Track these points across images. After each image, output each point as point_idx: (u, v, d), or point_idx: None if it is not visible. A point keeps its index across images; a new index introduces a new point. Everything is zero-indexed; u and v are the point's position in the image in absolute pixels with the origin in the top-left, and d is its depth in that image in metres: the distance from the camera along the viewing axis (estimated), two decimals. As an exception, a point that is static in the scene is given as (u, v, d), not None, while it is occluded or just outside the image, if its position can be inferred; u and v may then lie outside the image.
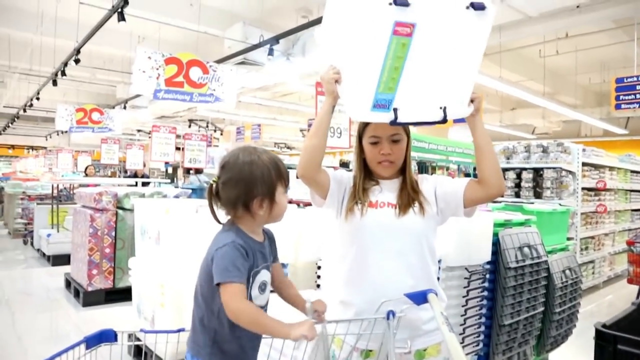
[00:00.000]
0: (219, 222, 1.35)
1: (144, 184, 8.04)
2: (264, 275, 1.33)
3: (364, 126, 1.60)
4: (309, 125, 10.03)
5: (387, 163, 1.55)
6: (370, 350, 1.50)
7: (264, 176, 1.27)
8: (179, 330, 1.37)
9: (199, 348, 1.30)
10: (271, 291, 1.40)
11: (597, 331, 1.35)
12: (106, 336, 1.29)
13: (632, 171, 7.73)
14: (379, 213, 1.54)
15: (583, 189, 5.81)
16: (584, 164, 5.84)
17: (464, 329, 2.38)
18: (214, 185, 1.32)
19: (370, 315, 1.37)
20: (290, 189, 1.39)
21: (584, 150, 5.78)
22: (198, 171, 10.01)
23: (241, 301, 1.20)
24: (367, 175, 1.63)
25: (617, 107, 5.42)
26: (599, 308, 5.09)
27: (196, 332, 1.32)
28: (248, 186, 1.26)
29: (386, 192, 1.58)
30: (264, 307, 1.34)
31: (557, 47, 9.07)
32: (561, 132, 16.14)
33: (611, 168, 6.82)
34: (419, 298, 1.25)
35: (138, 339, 2.97)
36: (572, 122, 14.76)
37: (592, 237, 6.32)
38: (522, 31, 7.02)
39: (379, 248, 1.50)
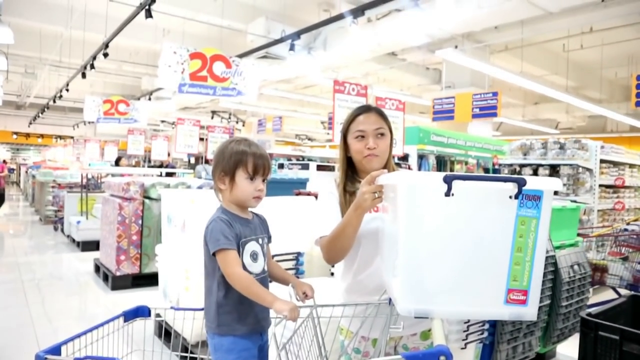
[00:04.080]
0: (218, 198, 1.59)
1: (168, 174, 8.30)
2: (253, 246, 1.52)
3: (349, 123, 1.68)
4: (329, 119, 10.16)
5: (372, 156, 1.61)
6: (376, 339, 1.60)
7: (226, 157, 1.50)
8: (203, 309, 1.54)
9: (210, 324, 1.49)
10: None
11: (582, 319, 1.46)
12: (142, 311, 1.48)
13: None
14: (374, 219, 1.55)
15: (601, 185, 5.81)
16: (602, 161, 5.83)
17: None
18: None
19: (374, 301, 1.49)
20: (264, 177, 1.53)
21: (602, 147, 5.77)
22: (207, 161, 10.24)
23: (235, 267, 1.40)
24: (351, 175, 1.69)
25: (638, 104, 5.39)
26: (614, 304, 5.11)
27: (207, 311, 1.51)
28: (215, 162, 1.53)
29: None
30: (259, 275, 1.50)
31: (582, 41, 8.98)
32: (586, 127, 15.86)
33: (632, 165, 6.77)
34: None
35: (165, 321, 3.17)
36: (598, 118, 14.50)
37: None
38: (544, 26, 7.01)
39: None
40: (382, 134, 1.63)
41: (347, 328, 1.65)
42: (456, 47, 7.24)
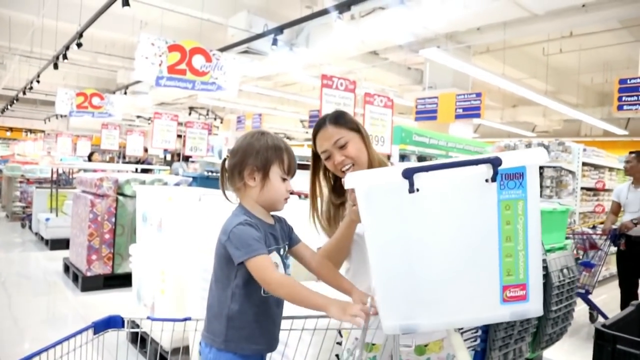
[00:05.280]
0: (226, 197, 1.40)
1: (144, 171, 8.04)
2: (274, 257, 1.35)
3: (314, 143, 1.57)
4: (310, 117, 10.02)
5: (347, 167, 1.50)
6: (374, 344, 1.51)
7: (261, 150, 1.33)
8: (185, 319, 1.38)
9: (214, 337, 1.31)
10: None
11: (597, 331, 1.37)
12: (114, 322, 1.31)
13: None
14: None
15: (582, 188, 5.84)
16: (583, 164, 5.86)
17: (462, 324, 2.40)
18: (226, 159, 1.39)
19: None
20: (291, 178, 1.41)
21: (584, 150, 5.80)
22: (185, 158, 10.00)
23: (275, 272, 1.22)
24: (337, 188, 1.59)
25: (620, 108, 5.41)
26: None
27: (210, 321, 1.33)
28: (244, 155, 1.34)
29: None
30: None
31: (561, 45, 9.07)
32: (561, 130, 16.14)
33: (611, 169, 6.85)
34: None
35: (137, 325, 2.99)
36: (573, 121, 14.77)
37: (589, 237, 6.35)
38: (526, 29, 7.01)
39: None
40: (344, 144, 1.50)
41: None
42: (438, 47, 7.19)
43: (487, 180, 0.94)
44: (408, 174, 0.93)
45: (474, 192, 0.96)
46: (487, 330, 2.54)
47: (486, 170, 0.94)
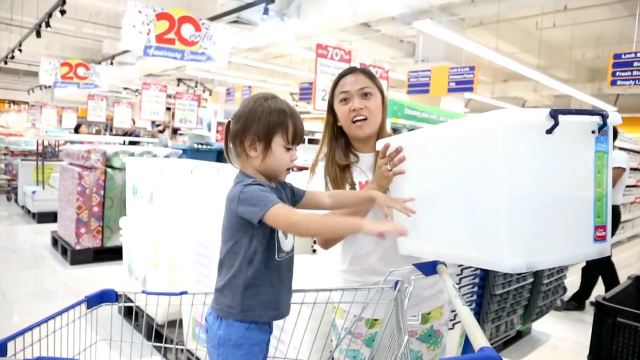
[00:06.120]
0: (230, 162, 1.34)
1: (132, 143, 7.91)
2: None
3: (333, 88, 1.53)
4: (301, 89, 9.88)
5: (361, 119, 1.46)
6: (376, 320, 1.47)
7: (263, 117, 1.24)
8: (181, 293, 1.35)
9: (229, 309, 1.24)
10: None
11: (598, 304, 1.36)
12: (107, 296, 1.27)
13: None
14: None
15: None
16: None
17: (456, 298, 2.41)
18: (230, 122, 1.32)
19: (378, 285, 1.35)
20: (297, 146, 1.31)
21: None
22: (174, 131, 9.78)
23: (297, 212, 1.17)
24: (344, 148, 1.54)
25: (613, 83, 5.39)
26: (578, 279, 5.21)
27: (224, 293, 1.26)
28: (246, 122, 1.26)
29: (368, 171, 1.49)
30: (289, 253, 1.30)
31: (555, 19, 8.95)
32: (551, 106, 15.92)
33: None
34: (428, 268, 1.24)
35: (130, 299, 2.96)
36: (563, 97, 14.75)
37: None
38: (521, 2, 6.91)
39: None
40: (368, 94, 1.48)
41: (341, 307, 1.51)
42: (431, 19, 7.06)
43: (593, 132, 1.08)
44: (555, 114, 1.00)
45: (582, 140, 1.09)
46: (480, 303, 2.56)
47: (598, 120, 1.06)
